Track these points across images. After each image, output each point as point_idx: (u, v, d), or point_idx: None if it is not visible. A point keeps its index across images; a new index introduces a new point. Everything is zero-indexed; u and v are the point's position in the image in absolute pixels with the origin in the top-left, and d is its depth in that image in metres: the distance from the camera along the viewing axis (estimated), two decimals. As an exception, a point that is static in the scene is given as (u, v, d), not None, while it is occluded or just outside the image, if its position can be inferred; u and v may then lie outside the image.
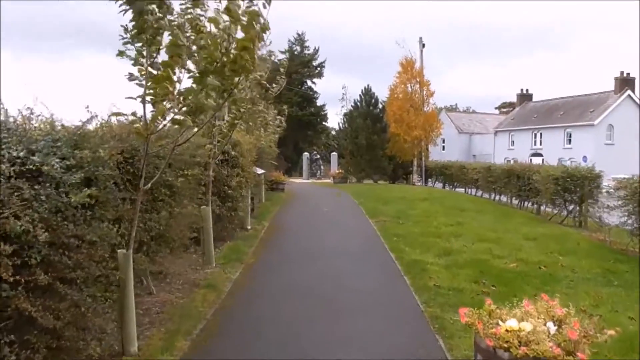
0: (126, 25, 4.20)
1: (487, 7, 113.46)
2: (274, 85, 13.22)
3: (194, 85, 4.52)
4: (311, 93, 51.10)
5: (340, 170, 31.33)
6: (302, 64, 50.18)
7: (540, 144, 45.37)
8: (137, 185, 4.76)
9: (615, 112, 40.05)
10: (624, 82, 40.72)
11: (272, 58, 11.94)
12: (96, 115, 4.76)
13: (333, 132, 54.12)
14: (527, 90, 52.64)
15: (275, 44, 53.72)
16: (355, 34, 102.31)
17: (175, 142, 4.65)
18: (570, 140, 42.18)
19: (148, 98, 4.36)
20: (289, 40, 51.68)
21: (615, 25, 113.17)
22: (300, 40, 51.94)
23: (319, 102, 52.15)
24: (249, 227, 11.91)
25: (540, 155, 43.71)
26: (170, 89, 4.14)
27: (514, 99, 57.21)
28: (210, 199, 8.57)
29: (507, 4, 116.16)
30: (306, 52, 51.88)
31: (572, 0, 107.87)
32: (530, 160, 40.05)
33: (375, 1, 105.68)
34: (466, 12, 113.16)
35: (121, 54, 4.37)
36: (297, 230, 12.41)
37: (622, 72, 41.07)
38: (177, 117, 4.48)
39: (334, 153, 36.08)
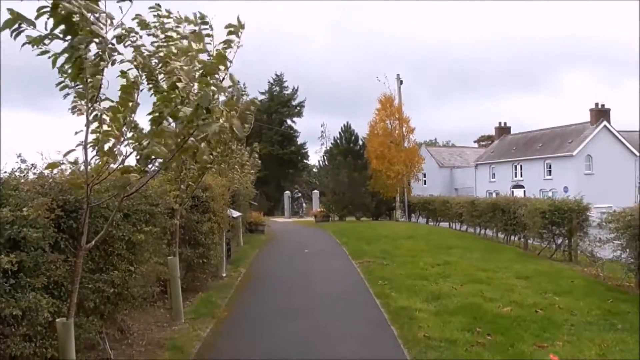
0: (62, 65, 3.67)
1: (464, 45, 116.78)
2: (245, 125, 12.87)
3: (147, 129, 3.99)
4: (291, 132, 51.12)
5: (322, 209, 30.84)
6: (281, 104, 50.41)
7: (521, 176, 45.65)
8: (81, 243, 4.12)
9: (593, 142, 40.62)
10: (600, 113, 41.50)
11: (244, 98, 11.62)
12: (32, 166, 4.16)
13: (314, 170, 53.97)
14: (505, 123, 53.41)
15: (255, 85, 54.18)
16: (333, 72, 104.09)
17: (124, 193, 4.04)
18: (550, 171, 42.51)
19: (90, 144, 3.80)
20: (268, 82, 52.14)
21: (589, 60, 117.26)
22: (279, 80, 52.39)
23: (299, 140, 52.23)
24: (224, 275, 11.28)
25: (521, 187, 43.89)
26: (116, 133, 3.57)
27: (492, 132, 58.00)
28: (178, 248, 7.91)
29: (484, 41, 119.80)
30: (285, 92, 52.19)
31: (545, 40, 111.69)
32: (512, 192, 40.14)
33: (350, 38, 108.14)
34: (444, 48, 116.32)
35: (63, 87, 3.82)
36: (276, 276, 11.76)
37: (596, 104, 41.93)
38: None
39: (316, 191, 35.64)
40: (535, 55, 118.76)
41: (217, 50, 4.27)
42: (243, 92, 10.39)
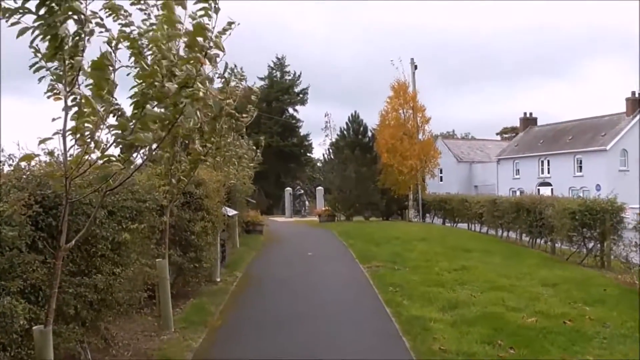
0: (37, 45, 3.66)
1: (483, 28, 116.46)
2: (244, 115, 12.87)
3: (130, 115, 3.98)
4: (293, 122, 51.14)
5: (327, 207, 30.82)
6: (282, 91, 50.39)
7: (549, 172, 45.49)
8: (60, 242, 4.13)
9: (629, 135, 40.34)
10: (637, 103, 41.14)
11: (243, 84, 11.61)
12: (9, 157, 4.17)
13: (318, 164, 53.99)
14: (530, 113, 53.19)
15: (255, 71, 54.21)
16: (340, 58, 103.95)
17: (107, 187, 4.03)
18: (581, 167, 42.30)
19: (69, 132, 3.80)
20: (268, 66, 52.05)
21: (621, 48, 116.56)
22: (280, 65, 52.31)
23: (302, 132, 52.26)
24: (218, 280, 11.30)
25: (549, 184, 43.74)
26: (94, 119, 3.56)
27: (516, 124, 57.86)
28: (168, 250, 7.93)
29: (505, 26, 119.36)
30: (287, 77, 52.17)
31: (572, 27, 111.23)
32: (538, 190, 40.07)
33: (362, 22, 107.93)
34: (461, 33, 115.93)
35: (38, 69, 3.81)
36: (275, 282, 11.78)
37: (633, 93, 41.56)
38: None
39: (320, 187, 35.61)
40: (561, 41, 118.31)
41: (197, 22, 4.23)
42: (242, 76, 10.44)
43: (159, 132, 3.99)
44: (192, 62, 3.98)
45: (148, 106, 3.93)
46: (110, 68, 3.82)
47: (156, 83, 3.92)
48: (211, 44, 4.19)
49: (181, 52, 4.66)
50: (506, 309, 8.60)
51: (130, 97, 4.11)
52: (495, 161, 51.55)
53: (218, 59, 4.48)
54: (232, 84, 10.52)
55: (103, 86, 3.60)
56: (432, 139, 33.59)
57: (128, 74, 4.20)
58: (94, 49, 3.88)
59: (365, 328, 7.97)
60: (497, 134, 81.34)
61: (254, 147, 17.94)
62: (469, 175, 54.13)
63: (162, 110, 4.24)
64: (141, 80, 3.98)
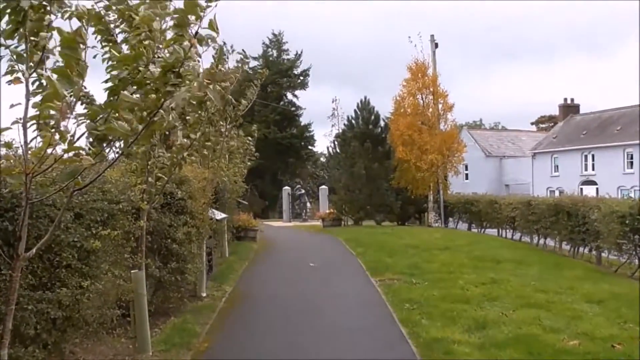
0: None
1: (514, 5, 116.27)
2: (242, 100, 12.88)
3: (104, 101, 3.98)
4: (293, 109, 51.20)
5: (332, 210, 30.83)
6: (280, 73, 50.38)
7: (593, 169, 45.40)
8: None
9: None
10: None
11: (243, 65, 11.64)
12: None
13: (322, 160, 54.00)
14: (572, 100, 53.09)
15: (246, 49, 54.19)
16: (348, 34, 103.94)
17: (74, 186, 4.02)
18: (631, 162, 42.15)
19: (30, 121, 3.79)
20: (263, 43, 52.01)
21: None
22: (276, 42, 52.27)
23: (303, 121, 52.26)
24: (203, 295, 11.35)
25: (593, 183, 43.65)
26: (59, 104, 3.55)
27: (555, 112, 57.79)
28: (145, 259, 7.94)
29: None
30: (285, 57, 52.19)
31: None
32: (581, 190, 39.98)
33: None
34: (490, 6, 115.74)
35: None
36: (271, 297, 11.80)
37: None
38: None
39: (324, 187, 35.64)
40: (607, 17, 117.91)
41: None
42: (246, 60, 10.48)
43: (135, 122, 3.97)
44: (180, 43, 3.97)
45: (126, 92, 3.92)
46: (82, 46, 3.80)
47: (140, 68, 3.90)
48: (203, 22, 4.19)
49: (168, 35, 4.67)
50: (543, 330, 8.58)
51: (105, 82, 4.10)
52: (530, 156, 51.47)
53: (210, 42, 4.48)
54: (231, 64, 10.56)
55: (73, 68, 3.59)
56: (455, 129, 33.55)
57: (95, 56, 4.20)
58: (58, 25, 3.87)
59: (377, 353, 7.97)
60: (532, 123, 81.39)
61: (248, 139, 17.96)
62: (499, 172, 54.06)
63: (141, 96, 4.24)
64: (120, 64, 3.96)
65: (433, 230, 26.62)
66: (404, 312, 9.98)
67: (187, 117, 7.57)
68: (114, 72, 4.32)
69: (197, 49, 4.41)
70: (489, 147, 55.46)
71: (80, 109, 4.18)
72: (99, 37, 4.81)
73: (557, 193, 40.77)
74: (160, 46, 4.40)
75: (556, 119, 57.93)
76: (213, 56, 9.07)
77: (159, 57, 4.27)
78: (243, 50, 10.76)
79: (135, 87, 4.19)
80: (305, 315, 10.22)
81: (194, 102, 6.63)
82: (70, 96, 3.81)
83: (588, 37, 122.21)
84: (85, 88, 4.03)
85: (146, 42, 4.28)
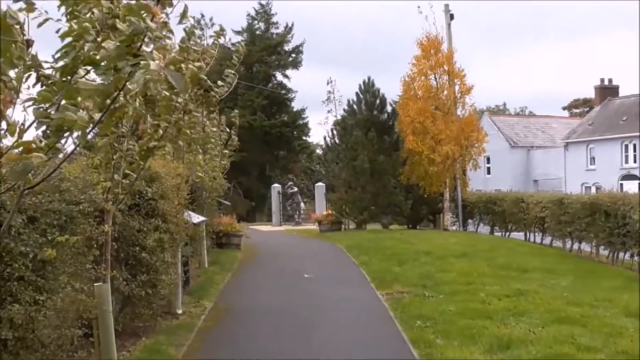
0: None
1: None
2: (220, 83, 12.90)
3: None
4: (283, 92, 51.24)
5: (330, 211, 30.78)
6: (267, 50, 50.41)
7: (635, 161, 45.48)
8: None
9: None
10: None
11: (218, 38, 11.66)
12: None
13: (318, 152, 53.98)
14: (610, 80, 53.14)
15: (226, 22, 54.05)
16: (347, 5, 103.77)
17: (25, 184, 4.07)
18: (681, 153, 42.30)
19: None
20: (248, 15, 51.96)
21: None
22: (264, 13, 52.24)
23: (295, 106, 52.31)
24: (179, 312, 11.38)
25: (635, 177, 43.77)
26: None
27: (590, 95, 57.89)
28: (111, 270, 7.96)
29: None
30: (274, 31, 52.20)
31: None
32: (621, 185, 40.09)
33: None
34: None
35: None
36: (259, 314, 11.85)
37: None
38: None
39: (321, 184, 35.63)
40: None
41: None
42: (221, 32, 10.54)
43: (95, 110, 4.02)
44: (139, 12, 3.99)
45: (82, 73, 3.96)
46: (17, 27, 3.83)
47: (87, 44, 3.93)
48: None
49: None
50: (577, 349, 8.65)
51: (55, 62, 4.12)
52: (562, 146, 51.57)
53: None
54: (209, 41, 10.57)
55: (12, 52, 3.62)
56: (475, 115, 33.52)
57: (58, 31, 4.22)
58: None
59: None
60: (564, 108, 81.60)
61: (227, 128, 17.98)
62: (525, 165, 54.14)
63: (100, 79, 4.27)
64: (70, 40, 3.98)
65: (449, 234, 26.63)
66: (415, 330, 10.04)
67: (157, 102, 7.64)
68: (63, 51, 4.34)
69: (163, 18, 4.44)
70: (515, 136, 55.54)
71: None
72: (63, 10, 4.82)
73: (593, 189, 40.87)
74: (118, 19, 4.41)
75: (592, 102, 58.02)
76: (185, 29, 9.15)
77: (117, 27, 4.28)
78: (220, 26, 10.75)
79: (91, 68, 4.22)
80: (299, 336, 10.25)
81: (164, 86, 6.69)
82: (16, 79, 3.84)
83: (631, 11, 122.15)
84: (42, 69, 4.06)
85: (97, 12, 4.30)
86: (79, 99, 4.00)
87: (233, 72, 12.64)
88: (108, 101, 4.21)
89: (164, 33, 4.57)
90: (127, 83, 4.00)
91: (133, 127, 7.52)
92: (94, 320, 7.84)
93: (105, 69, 4.18)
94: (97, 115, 4.20)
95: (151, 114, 8.02)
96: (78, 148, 4.17)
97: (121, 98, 4.15)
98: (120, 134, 7.44)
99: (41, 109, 3.94)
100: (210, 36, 10.70)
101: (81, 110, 3.88)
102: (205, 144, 14.67)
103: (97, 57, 3.98)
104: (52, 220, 6.19)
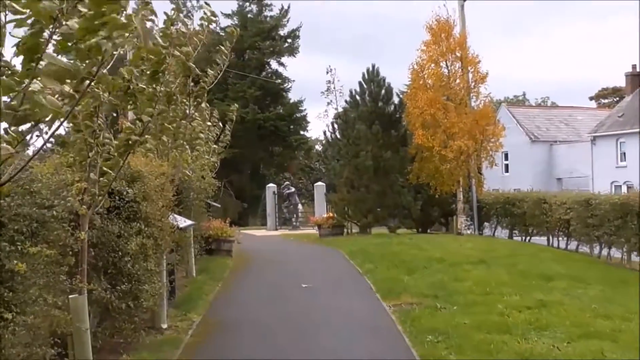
0: None
1: None
2: (209, 71, 12.88)
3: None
4: (278, 82, 51.23)
5: (331, 214, 30.76)
6: (261, 35, 50.37)
7: (670, 157, 45.42)
8: None
9: None
10: None
11: (209, 23, 11.66)
12: None
13: (317, 148, 53.98)
14: (642, 66, 53.03)
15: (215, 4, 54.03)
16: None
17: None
18: None
19: None
20: (238, -4, 51.88)
21: None
22: (257, -6, 52.19)
23: (291, 97, 52.29)
24: (164, 326, 11.37)
25: (671, 175, 43.74)
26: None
27: (621, 83, 57.81)
28: (87, 282, 7.94)
29: None
30: (268, 13, 52.20)
31: None
32: (655, 184, 39.99)
33: None
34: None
35: None
36: (253, 330, 11.82)
37: None
38: None
39: (320, 183, 35.64)
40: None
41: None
42: (212, 17, 10.54)
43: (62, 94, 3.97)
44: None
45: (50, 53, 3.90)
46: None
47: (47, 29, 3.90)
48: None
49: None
50: (607, 367, 8.63)
51: (16, 46, 4.07)
52: (589, 140, 51.47)
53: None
54: (195, 24, 10.54)
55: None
56: (491, 106, 33.52)
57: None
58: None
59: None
60: (591, 98, 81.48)
61: (219, 121, 17.94)
62: (548, 161, 54.08)
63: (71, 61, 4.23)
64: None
65: (464, 238, 26.60)
66: (426, 346, 10.02)
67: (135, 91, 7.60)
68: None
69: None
70: (536, 130, 55.50)
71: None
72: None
73: (624, 189, 40.82)
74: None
75: (622, 91, 57.91)
76: (166, 13, 9.12)
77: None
78: (206, 2, 10.71)
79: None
80: (297, 353, 10.24)
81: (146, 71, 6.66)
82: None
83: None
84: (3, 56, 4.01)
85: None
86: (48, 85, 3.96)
87: (223, 57, 12.67)
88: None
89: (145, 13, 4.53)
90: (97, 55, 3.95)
91: (110, 119, 7.48)
92: (69, 337, 7.82)
93: (74, 49, 4.14)
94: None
95: (131, 105, 8.01)
96: (49, 144, 4.11)
97: (95, 89, 4.09)
98: (96, 128, 7.41)
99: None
100: (202, 18, 10.68)
101: (50, 98, 3.84)
102: (193, 140, 14.64)
103: (60, 38, 3.93)
104: (22, 227, 6.14)
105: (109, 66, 4.66)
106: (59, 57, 4.09)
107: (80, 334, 7.81)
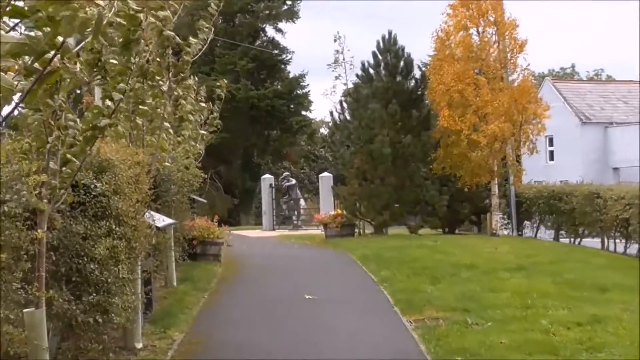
0: None
1: None
2: (193, 40, 12.86)
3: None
4: (275, 52, 51.15)
5: (340, 211, 30.78)
6: (255, -5, 50.32)
7: None
8: None
9: None
10: None
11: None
12: None
13: (323, 131, 53.92)
14: None
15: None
16: None
17: None
18: None
19: None
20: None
21: None
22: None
23: (291, 71, 52.22)
24: (139, 346, 11.36)
25: None
26: None
27: (689, 52, 57.52)
28: (46, 291, 7.94)
29: None
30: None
31: None
32: None
33: None
34: None
35: None
36: (246, 352, 11.82)
37: None
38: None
39: (327, 174, 35.63)
40: None
41: None
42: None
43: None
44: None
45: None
46: None
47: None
48: None
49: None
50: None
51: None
52: (652, 121, 51.40)
53: None
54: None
55: None
56: (532, 81, 33.42)
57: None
58: None
59: None
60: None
61: (207, 101, 17.94)
62: (602, 148, 53.94)
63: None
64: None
65: (499, 240, 26.63)
66: (455, 371, 10.04)
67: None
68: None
69: None
70: (587, 109, 55.37)
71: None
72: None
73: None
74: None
75: (691, 63, 57.76)
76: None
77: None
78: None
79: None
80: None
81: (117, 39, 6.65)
82: None
83: None
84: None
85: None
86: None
87: (208, 26, 12.64)
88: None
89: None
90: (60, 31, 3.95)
91: (72, 98, 7.48)
92: (23, 359, 7.82)
93: (34, 19, 4.14)
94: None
95: (99, 80, 7.99)
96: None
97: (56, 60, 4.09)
98: (58, 108, 7.39)
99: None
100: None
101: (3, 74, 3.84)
102: (181, 122, 14.65)
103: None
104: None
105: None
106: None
107: (38, 354, 7.81)
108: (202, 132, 18.81)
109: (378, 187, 30.11)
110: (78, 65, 6.59)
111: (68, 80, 6.98)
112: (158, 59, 11.56)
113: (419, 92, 32.13)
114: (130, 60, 8.82)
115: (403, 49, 32.38)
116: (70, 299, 8.91)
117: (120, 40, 8.69)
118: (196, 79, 16.80)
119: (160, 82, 11.85)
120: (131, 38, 8.83)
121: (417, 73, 32.65)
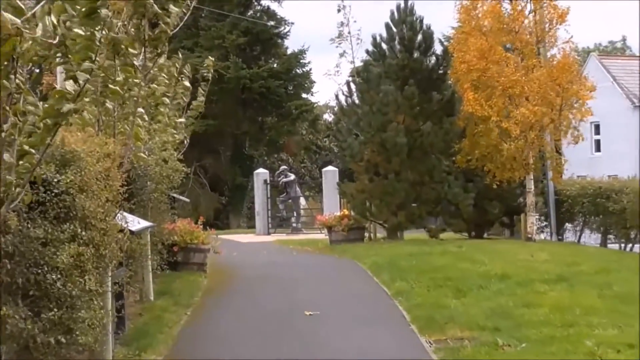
0: None
1: None
2: (172, 8, 12.85)
3: None
4: (271, 25, 51.19)
5: (347, 211, 30.80)
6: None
7: None
8: None
9: None
10: None
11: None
12: None
13: (327, 118, 53.91)
14: None
15: None
16: None
17: None
18: None
19: None
20: None
21: None
22: None
23: (290, 47, 52.25)
24: (109, 370, 11.35)
25: None
26: None
27: None
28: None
29: None
30: None
31: None
32: None
33: None
34: None
35: None
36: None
37: None
38: None
39: (331, 168, 35.68)
40: None
41: None
42: None
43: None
44: None
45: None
46: None
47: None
48: None
49: None
50: None
51: None
52: None
53: None
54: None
55: None
56: (574, 56, 33.35)
57: None
58: None
59: None
60: None
61: (186, 80, 17.94)
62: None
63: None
64: None
65: (536, 246, 26.66)
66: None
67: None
68: None
69: None
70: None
71: None
72: None
73: None
74: None
75: None
76: None
77: None
78: None
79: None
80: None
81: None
82: None
83: None
84: None
85: None
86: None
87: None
88: None
89: None
90: None
91: (32, 78, 7.47)
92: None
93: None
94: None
95: (61, 58, 7.96)
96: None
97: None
98: (13, 91, 7.37)
99: None
100: None
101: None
102: (154, 107, 14.64)
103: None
104: None
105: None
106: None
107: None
108: (181, 120, 18.76)
109: (392, 184, 30.09)
110: (39, 29, 6.58)
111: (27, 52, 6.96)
112: (132, 30, 11.54)
113: (441, 71, 32.10)
114: (97, 33, 8.79)
115: (422, 20, 32.37)
116: (28, 315, 8.91)
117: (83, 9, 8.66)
118: (180, 55, 16.80)
119: (134, 58, 11.83)
120: (96, 5, 8.80)
121: (438, 48, 32.65)
